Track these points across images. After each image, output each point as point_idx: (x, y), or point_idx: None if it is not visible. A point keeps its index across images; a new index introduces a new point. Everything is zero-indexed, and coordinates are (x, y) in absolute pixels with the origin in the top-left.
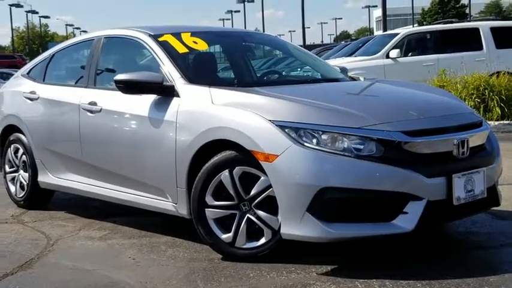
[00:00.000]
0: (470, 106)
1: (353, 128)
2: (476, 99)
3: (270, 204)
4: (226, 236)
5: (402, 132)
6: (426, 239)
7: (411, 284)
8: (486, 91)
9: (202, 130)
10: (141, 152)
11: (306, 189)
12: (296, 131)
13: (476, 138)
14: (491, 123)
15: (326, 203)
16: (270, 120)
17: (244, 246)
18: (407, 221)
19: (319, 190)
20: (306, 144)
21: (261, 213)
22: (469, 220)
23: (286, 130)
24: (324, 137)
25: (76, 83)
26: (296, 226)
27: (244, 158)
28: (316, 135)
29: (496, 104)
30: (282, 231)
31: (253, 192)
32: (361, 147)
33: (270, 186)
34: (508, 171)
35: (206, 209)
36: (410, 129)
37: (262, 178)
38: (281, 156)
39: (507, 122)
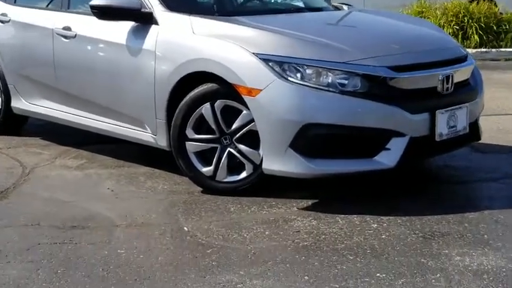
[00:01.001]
0: (449, 33)
1: (339, 62)
2: (455, 27)
3: (252, 139)
4: (206, 170)
5: (388, 67)
6: (406, 174)
7: (392, 220)
8: (465, 18)
9: (183, 61)
10: (119, 81)
11: (289, 124)
12: (280, 65)
13: (461, 74)
14: (469, 50)
15: (309, 139)
16: (253, 53)
17: (225, 180)
18: (389, 157)
19: (303, 126)
20: (290, 78)
21: (242, 147)
22: (447, 154)
23: (270, 64)
24: (308, 71)
25: (48, 5)
26: (278, 161)
27: (226, 91)
28: (300, 69)
29: (474, 32)
30: (263, 166)
31: (234, 126)
32: (346, 82)
33: (252, 121)
34: (485, 102)
35: (186, 142)
36: (396, 65)
37: (244, 112)
38: (264, 90)
39: (485, 49)
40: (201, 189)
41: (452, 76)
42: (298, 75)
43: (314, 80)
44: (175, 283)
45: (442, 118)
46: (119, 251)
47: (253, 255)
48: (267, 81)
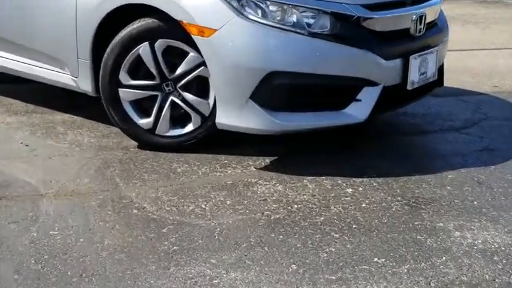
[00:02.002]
0: None
1: None
2: None
3: (200, 86)
4: (145, 122)
5: (361, 5)
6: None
7: (366, 183)
8: None
9: None
10: (33, 14)
11: (251, 73)
12: (239, 0)
13: (431, 13)
14: None
15: (273, 90)
16: None
17: (167, 134)
18: (360, 109)
19: (267, 74)
20: (250, 16)
21: (188, 95)
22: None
23: None
24: (272, 8)
25: None
26: (236, 115)
27: (169, 29)
28: (262, 5)
29: None
30: (217, 120)
31: (179, 71)
32: (312, 22)
33: (201, 65)
34: None
35: (120, 89)
36: (369, 3)
37: (191, 55)
38: (220, 30)
39: None
40: (136, 144)
41: (425, 16)
42: (259, 12)
43: (278, 19)
44: (133, 280)
45: (414, 64)
46: (51, 232)
47: (220, 235)
48: (223, 19)
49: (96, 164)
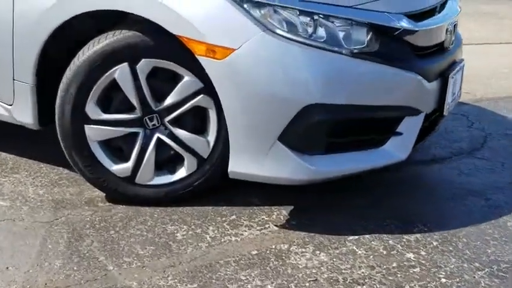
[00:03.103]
0: None
1: (345, 7)
2: None
3: (194, 119)
4: (120, 168)
5: (405, 14)
6: None
7: (421, 241)
8: None
9: None
10: None
11: (282, 106)
12: (259, 7)
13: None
14: None
15: (309, 128)
16: None
17: (151, 183)
18: (400, 145)
19: (303, 109)
20: (278, 32)
21: (180, 132)
22: None
23: (245, 6)
24: (302, 19)
25: None
26: (257, 162)
27: (157, 45)
28: (293, 17)
29: None
30: (231, 169)
31: (169, 100)
32: (350, 37)
33: (199, 92)
34: None
35: (86, 126)
36: (411, 10)
37: (186, 79)
38: (239, 50)
39: None
40: (102, 194)
41: (456, 25)
42: (288, 25)
43: (312, 33)
44: None
45: (451, 84)
46: None
47: None
48: (244, 35)
49: (62, 233)
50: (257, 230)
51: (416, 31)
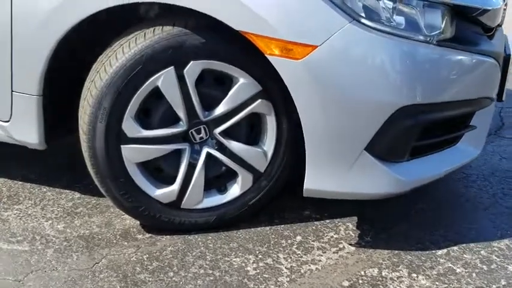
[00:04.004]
0: None
1: None
2: None
3: (246, 128)
4: (164, 192)
5: None
6: None
7: None
8: None
9: None
10: None
11: (372, 110)
12: None
13: None
14: None
15: (399, 133)
16: None
17: (199, 206)
18: (474, 140)
19: (397, 111)
20: (365, 22)
21: (235, 144)
22: None
23: None
24: (384, 4)
25: None
26: (339, 177)
27: (210, 43)
28: (374, 2)
29: None
30: (307, 186)
31: (222, 108)
32: (432, 23)
33: (257, 96)
34: None
35: (124, 146)
36: None
37: (242, 82)
38: (322, 47)
39: None
40: (136, 224)
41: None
42: (369, 13)
43: (394, 21)
44: None
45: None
46: None
47: None
48: (329, 29)
49: (112, 282)
50: (332, 252)
51: (489, 10)
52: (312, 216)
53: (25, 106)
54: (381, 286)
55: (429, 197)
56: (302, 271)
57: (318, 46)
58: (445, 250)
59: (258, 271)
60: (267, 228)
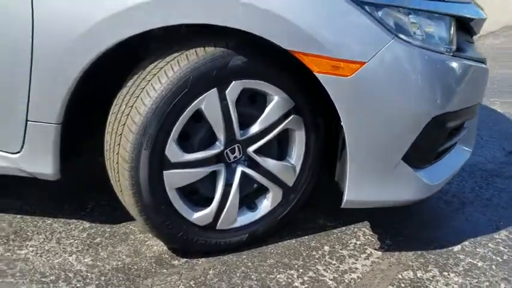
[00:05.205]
0: None
1: (443, 1)
2: None
3: (276, 145)
4: (201, 215)
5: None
6: None
7: None
8: None
9: (135, 3)
10: None
11: (411, 120)
12: (380, 10)
13: None
14: None
15: (430, 141)
16: None
17: (233, 226)
18: (468, 138)
19: (431, 120)
20: (404, 38)
21: (269, 162)
22: None
23: (366, 8)
24: (425, 20)
25: None
26: (377, 186)
27: (251, 62)
28: (426, 20)
29: None
30: (348, 197)
31: (258, 126)
32: (447, 35)
33: (291, 112)
34: None
35: (166, 172)
36: None
37: (277, 99)
38: (369, 63)
39: None
40: (162, 250)
41: None
42: (415, 31)
43: (426, 36)
44: None
45: None
46: None
47: None
48: (374, 46)
49: None
50: (363, 259)
51: (484, 19)
52: (327, 225)
53: (41, 136)
54: (422, 287)
55: None
56: (346, 281)
57: (365, 62)
58: (459, 246)
59: (306, 285)
60: (293, 241)
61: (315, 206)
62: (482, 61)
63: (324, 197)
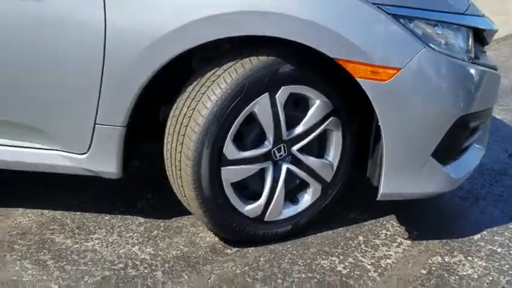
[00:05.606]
0: None
1: (459, 14)
2: None
3: (316, 144)
4: (252, 208)
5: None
6: None
7: None
8: None
9: (196, 18)
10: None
11: (440, 120)
12: (411, 21)
13: None
14: None
15: (456, 139)
16: (376, 4)
17: (279, 218)
18: (482, 138)
19: (458, 120)
20: (433, 46)
21: (310, 159)
22: None
23: (401, 20)
24: (450, 31)
25: None
26: (409, 180)
27: (298, 69)
28: (449, 31)
29: None
30: (383, 190)
31: (302, 127)
32: (467, 45)
33: (330, 115)
34: None
35: (223, 169)
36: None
37: (319, 102)
38: (405, 69)
39: None
40: (215, 239)
41: None
42: (442, 41)
43: (449, 45)
44: None
45: None
46: None
47: None
48: (409, 53)
49: None
50: (395, 247)
51: (495, 31)
52: (358, 218)
53: (108, 138)
54: (451, 270)
55: None
56: (383, 265)
57: (401, 68)
58: (478, 235)
59: (349, 270)
60: (330, 232)
61: (346, 201)
62: (495, 68)
63: (352, 192)
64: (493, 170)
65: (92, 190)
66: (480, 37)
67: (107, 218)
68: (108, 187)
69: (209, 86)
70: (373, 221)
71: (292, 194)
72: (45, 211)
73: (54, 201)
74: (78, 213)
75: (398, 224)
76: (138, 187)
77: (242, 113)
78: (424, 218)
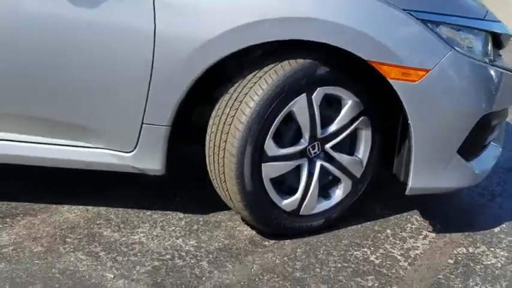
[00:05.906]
0: None
1: (478, 19)
2: None
3: (348, 141)
4: (289, 202)
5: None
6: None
7: None
8: None
9: (240, 24)
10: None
11: (466, 119)
12: (438, 26)
13: None
14: None
15: (480, 136)
16: (406, 10)
17: (313, 212)
18: (497, 138)
19: (481, 118)
20: (458, 49)
21: (342, 156)
22: None
23: (429, 25)
24: (474, 36)
25: None
26: (435, 175)
27: (333, 71)
28: (470, 35)
29: None
30: (412, 185)
31: (335, 126)
32: (487, 49)
33: (361, 114)
34: None
35: (264, 164)
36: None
37: (351, 103)
38: (433, 71)
39: None
40: (251, 232)
41: None
42: (466, 43)
43: (471, 48)
44: None
45: None
46: None
47: None
48: (436, 56)
49: (280, 283)
50: (422, 239)
51: (510, 35)
52: (384, 213)
53: (153, 136)
54: (476, 260)
55: None
56: (412, 256)
57: (430, 70)
58: (498, 228)
59: (381, 260)
60: (359, 226)
61: (371, 197)
62: (511, 70)
63: (378, 188)
64: (505, 168)
65: (127, 188)
66: (497, 41)
67: (148, 213)
68: (144, 184)
69: (251, 87)
70: (398, 215)
71: (324, 190)
72: (89, 207)
73: (95, 198)
74: (121, 209)
75: (422, 218)
76: (171, 185)
77: (282, 112)
78: (445, 213)
